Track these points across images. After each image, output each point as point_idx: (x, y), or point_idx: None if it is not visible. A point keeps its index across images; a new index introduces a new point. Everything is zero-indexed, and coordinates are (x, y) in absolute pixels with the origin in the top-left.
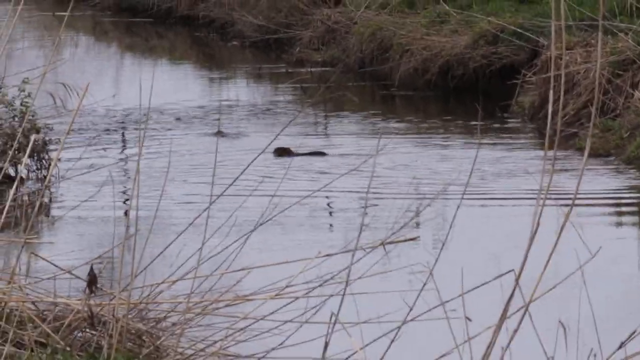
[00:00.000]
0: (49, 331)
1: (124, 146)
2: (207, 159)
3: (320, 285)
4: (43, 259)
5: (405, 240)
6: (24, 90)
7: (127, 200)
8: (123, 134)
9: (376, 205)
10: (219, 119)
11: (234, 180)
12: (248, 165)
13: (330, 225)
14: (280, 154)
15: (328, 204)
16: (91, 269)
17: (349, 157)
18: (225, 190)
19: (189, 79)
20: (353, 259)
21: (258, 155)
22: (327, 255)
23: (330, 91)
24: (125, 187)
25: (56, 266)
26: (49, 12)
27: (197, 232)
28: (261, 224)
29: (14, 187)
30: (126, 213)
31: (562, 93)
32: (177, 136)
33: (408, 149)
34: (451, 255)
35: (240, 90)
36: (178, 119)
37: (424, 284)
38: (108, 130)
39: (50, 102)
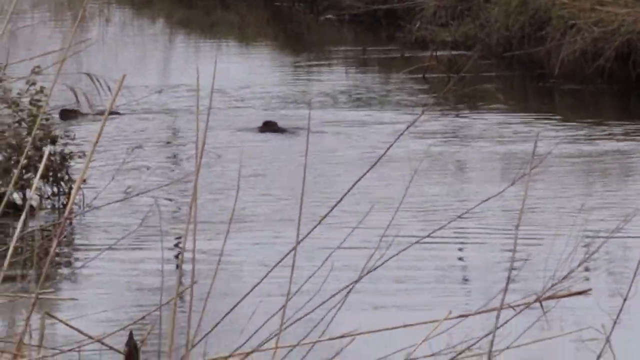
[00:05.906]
0: None
1: (175, 161)
2: (293, 178)
3: (453, 359)
4: (62, 322)
5: (570, 295)
6: (34, 84)
7: (179, 238)
8: (173, 145)
9: (529, 246)
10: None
11: (333, 208)
12: (354, 185)
13: (465, 277)
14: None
15: (459, 247)
16: (130, 337)
17: (488, 175)
18: (320, 222)
19: (265, 68)
20: (498, 322)
21: (368, 171)
22: (462, 315)
23: (464, 84)
24: (176, 219)
25: (81, 332)
26: None
27: (278, 284)
28: (368, 272)
29: (21, 220)
30: (178, 257)
31: None
32: (250, 143)
33: (573, 166)
34: (636, 316)
35: (337, 81)
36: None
37: (599, 357)
38: (152, 139)
39: (72, 99)
